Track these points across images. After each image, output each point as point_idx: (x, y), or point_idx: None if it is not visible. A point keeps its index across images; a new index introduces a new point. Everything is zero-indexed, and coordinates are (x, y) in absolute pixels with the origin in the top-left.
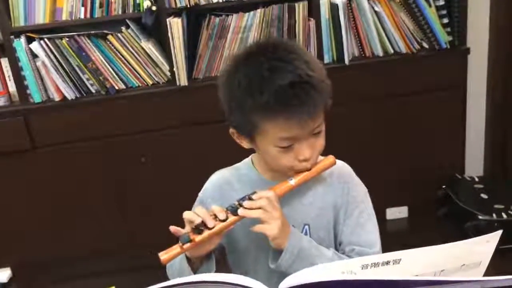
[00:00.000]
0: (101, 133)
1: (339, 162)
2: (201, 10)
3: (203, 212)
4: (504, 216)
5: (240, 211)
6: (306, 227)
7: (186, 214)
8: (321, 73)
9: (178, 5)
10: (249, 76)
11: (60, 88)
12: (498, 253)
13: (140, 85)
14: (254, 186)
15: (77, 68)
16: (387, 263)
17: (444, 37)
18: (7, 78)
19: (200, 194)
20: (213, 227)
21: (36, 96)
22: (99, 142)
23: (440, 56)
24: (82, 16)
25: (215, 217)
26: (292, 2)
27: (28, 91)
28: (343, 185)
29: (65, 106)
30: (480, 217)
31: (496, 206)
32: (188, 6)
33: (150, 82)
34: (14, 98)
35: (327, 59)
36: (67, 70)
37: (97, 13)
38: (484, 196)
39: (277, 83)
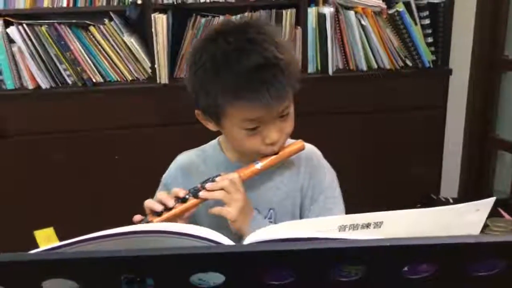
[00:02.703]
0: (74, 126)
1: (308, 146)
2: (187, 8)
3: (163, 196)
4: None
5: (202, 193)
6: (271, 211)
7: (147, 202)
8: (290, 55)
9: (165, 1)
10: (215, 57)
11: (35, 76)
12: None
13: (119, 80)
14: (220, 168)
15: (54, 57)
16: (367, 225)
17: (428, 56)
18: None
19: (164, 176)
20: (172, 208)
21: (9, 83)
22: (72, 135)
23: (422, 75)
24: (65, 5)
25: (177, 199)
26: (280, 9)
27: (0, 77)
28: (310, 169)
29: (38, 95)
30: None
31: None
32: (175, 3)
33: (130, 78)
34: None
35: (311, 68)
36: (44, 59)
37: (81, 3)
38: None
39: (244, 66)
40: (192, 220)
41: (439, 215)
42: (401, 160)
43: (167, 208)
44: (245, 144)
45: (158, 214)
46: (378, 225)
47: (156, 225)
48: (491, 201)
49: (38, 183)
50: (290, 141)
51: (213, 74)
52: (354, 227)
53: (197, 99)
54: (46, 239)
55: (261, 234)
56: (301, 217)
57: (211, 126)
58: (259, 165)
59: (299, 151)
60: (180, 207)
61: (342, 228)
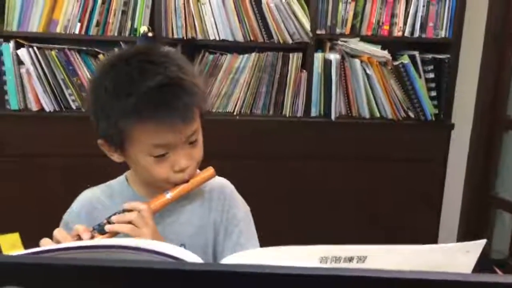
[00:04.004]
0: (73, 151)
1: (221, 179)
2: (196, 45)
3: (62, 235)
4: None
5: (107, 227)
6: (182, 247)
7: (44, 242)
8: (194, 77)
9: (175, 36)
10: (116, 79)
11: (40, 98)
12: None
13: None
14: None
15: (61, 81)
16: (350, 259)
17: (430, 110)
18: None
19: (64, 215)
20: None
21: (13, 103)
22: (69, 160)
23: (424, 128)
24: (77, 32)
25: (79, 238)
26: (287, 52)
27: (6, 97)
28: (223, 203)
29: (41, 117)
30: None
31: None
32: (185, 38)
33: None
34: None
35: (314, 112)
36: (51, 82)
37: (93, 31)
38: None
39: (146, 85)
40: None
41: (427, 252)
42: (397, 212)
43: None
44: (153, 173)
45: None
46: (361, 259)
47: (124, 240)
48: (481, 243)
49: (31, 205)
50: (199, 171)
51: (114, 96)
52: (337, 259)
53: (99, 126)
54: (11, 245)
55: (235, 259)
56: (214, 252)
57: (116, 157)
58: (169, 195)
59: (210, 178)
60: None
61: (324, 259)
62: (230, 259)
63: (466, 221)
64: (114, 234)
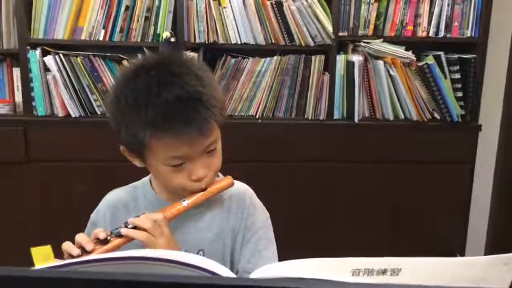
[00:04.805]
0: (98, 156)
1: (240, 185)
2: (218, 49)
3: (83, 238)
4: None
5: (123, 230)
6: (201, 253)
7: (65, 245)
8: (213, 90)
9: (197, 40)
10: (136, 90)
11: (66, 104)
12: None
13: None
14: (149, 207)
15: (86, 88)
16: (384, 272)
17: (456, 111)
18: (15, 88)
19: (92, 215)
20: (91, 252)
21: (40, 109)
22: (94, 165)
23: (450, 129)
24: (101, 38)
25: (97, 241)
26: (309, 55)
27: (33, 103)
28: (242, 210)
29: (67, 123)
30: None
31: None
32: (206, 43)
33: None
34: (18, 108)
35: (336, 114)
36: (76, 88)
37: (116, 38)
38: None
39: (164, 98)
40: None
41: (463, 265)
42: (424, 215)
43: (86, 252)
44: (170, 181)
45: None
46: (395, 272)
47: (158, 252)
48: None
49: (57, 210)
50: (221, 176)
51: (134, 107)
52: (369, 272)
53: (119, 134)
54: (44, 258)
55: (268, 271)
56: (231, 258)
57: (137, 163)
58: (185, 203)
59: (228, 188)
60: (100, 249)
61: (356, 272)
62: (260, 272)
63: (495, 224)
64: (130, 239)
